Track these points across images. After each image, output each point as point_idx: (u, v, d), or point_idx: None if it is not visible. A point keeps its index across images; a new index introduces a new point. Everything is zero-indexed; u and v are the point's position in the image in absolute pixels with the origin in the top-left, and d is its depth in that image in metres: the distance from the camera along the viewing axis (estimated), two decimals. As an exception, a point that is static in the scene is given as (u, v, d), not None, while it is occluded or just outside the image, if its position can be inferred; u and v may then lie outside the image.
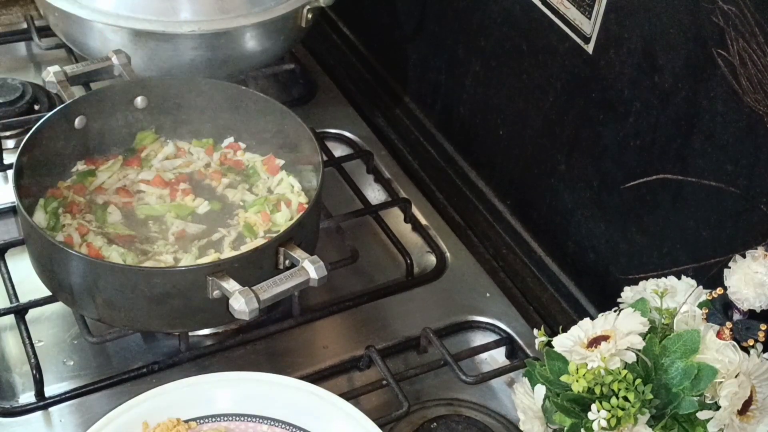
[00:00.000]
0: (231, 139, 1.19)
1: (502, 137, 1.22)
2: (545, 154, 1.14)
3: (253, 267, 0.95)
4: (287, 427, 0.90)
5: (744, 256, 0.78)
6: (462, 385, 1.02)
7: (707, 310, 0.79)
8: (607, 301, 0.89)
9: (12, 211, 1.16)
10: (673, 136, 0.95)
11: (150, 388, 0.90)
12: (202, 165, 1.16)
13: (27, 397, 0.99)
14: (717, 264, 0.79)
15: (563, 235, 1.14)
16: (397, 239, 1.18)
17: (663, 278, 0.84)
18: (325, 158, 1.17)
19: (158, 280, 0.93)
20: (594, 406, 0.72)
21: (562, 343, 0.77)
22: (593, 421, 0.72)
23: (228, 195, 1.13)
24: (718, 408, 0.73)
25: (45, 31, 1.38)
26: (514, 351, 1.08)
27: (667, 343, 0.76)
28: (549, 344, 0.79)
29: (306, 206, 1.08)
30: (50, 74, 1.13)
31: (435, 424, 1.00)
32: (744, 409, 0.73)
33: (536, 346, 0.82)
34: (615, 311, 0.78)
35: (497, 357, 1.09)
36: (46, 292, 1.03)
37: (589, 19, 1.01)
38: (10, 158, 1.12)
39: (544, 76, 1.11)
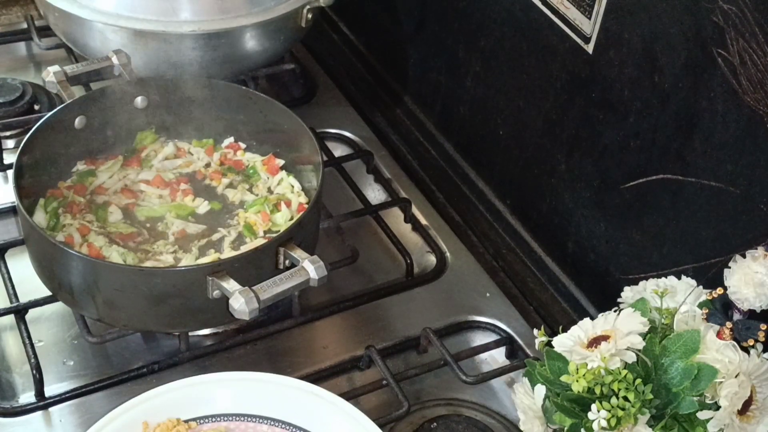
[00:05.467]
0: (231, 139, 1.19)
1: (502, 137, 1.22)
2: (545, 154, 1.14)
3: (253, 267, 0.95)
4: (287, 427, 0.90)
5: (744, 256, 0.78)
6: (462, 385, 1.02)
7: (707, 310, 0.78)
8: (607, 301, 0.89)
9: (12, 211, 1.16)
10: (673, 136, 0.95)
11: (150, 388, 0.90)
12: (202, 165, 1.16)
13: (27, 397, 0.99)
14: (717, 264, 0.79)
15: (563, 235, 1.14)
16: (397, 239, 1.18)
17: (663, 278, 0.84)
18: (325, 158, 1.17)
19: (158, 280, 0.93)
20: (594, 406, 0.72)
21: (562, 343, 0.77)
22: (593, 421, 0.72)
23: (228, 195, 1.13)
24: (718, 408, 0.73)
25: (45, 31, 1.38)
26: (514, 351, 1.08)
27: (667, 343, 0.76)
28: (549, 344, 0.79)
29: (306, 206, 1.08)
30: (50, 74, 1.13)
31: (435, 424, 1.00)
32: (744, 409, 0.73)
33: (536, 346, 0.82)
34: (615, 311, 0.78)
35: (497, 357, 1.09)
36: (46, 292, 1.03)
37: (589, 19, 1.01)
38: (10, 158, 1.12)
39: (544, 76, 1.11)
